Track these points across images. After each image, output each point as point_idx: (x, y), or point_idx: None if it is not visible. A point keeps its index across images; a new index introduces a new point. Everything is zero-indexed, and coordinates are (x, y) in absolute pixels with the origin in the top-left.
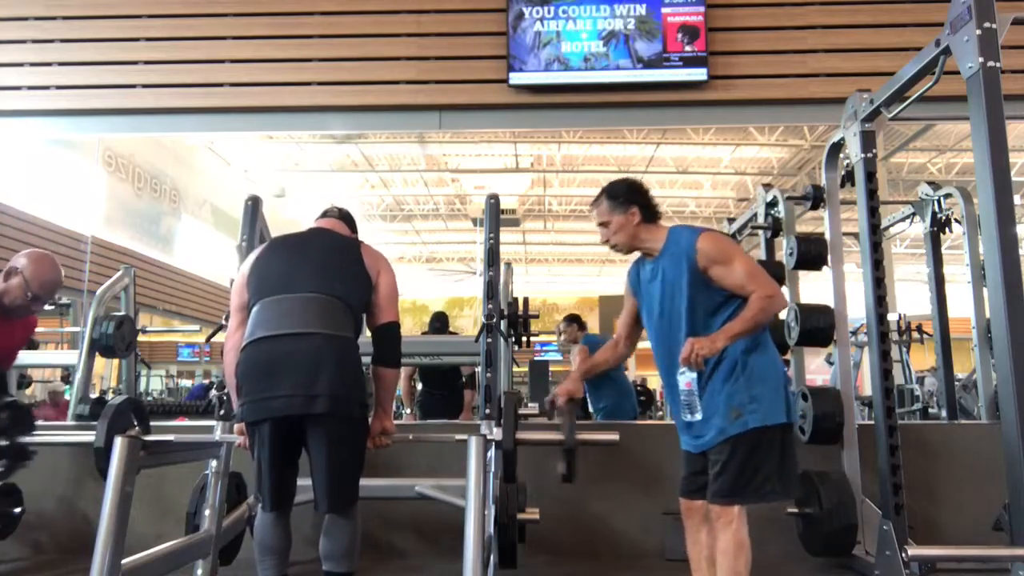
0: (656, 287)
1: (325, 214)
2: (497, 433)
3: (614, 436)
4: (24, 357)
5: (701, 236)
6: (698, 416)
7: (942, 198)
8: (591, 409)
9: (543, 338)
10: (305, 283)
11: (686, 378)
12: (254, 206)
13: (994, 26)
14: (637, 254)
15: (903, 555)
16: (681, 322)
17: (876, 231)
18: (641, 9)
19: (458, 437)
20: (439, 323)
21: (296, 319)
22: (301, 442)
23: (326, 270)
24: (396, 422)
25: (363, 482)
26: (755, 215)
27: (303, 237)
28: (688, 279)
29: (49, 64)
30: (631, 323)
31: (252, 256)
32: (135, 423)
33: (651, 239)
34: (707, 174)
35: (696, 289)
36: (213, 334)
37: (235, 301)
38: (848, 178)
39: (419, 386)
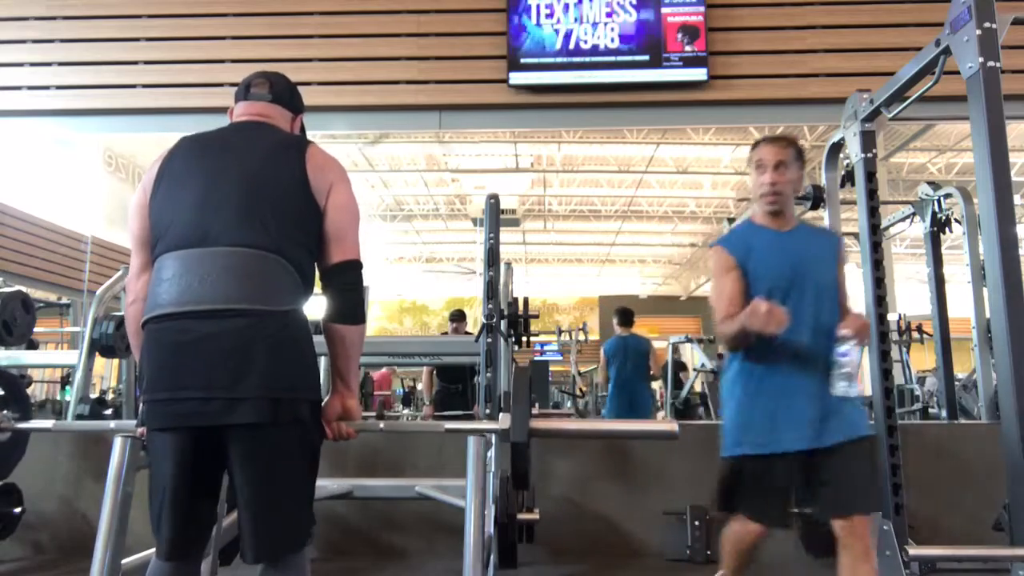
0: (788, 256)
1: (248, 92)
2: (504, 420)
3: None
4: (24, 357)
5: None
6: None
7: (942, 198)
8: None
9: (543, 338)
10: (226, 227)
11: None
12: None
13: (994, 26)
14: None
15: (903, 555)
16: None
17: (876, 231)
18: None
19: (448, 426)
20: (458, 315)
21: (213, 288)
22: (222, 462)
23: (257, 204)
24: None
25: (363, 482)
26: None
27: (227, 142)
28: (836, 265)
29: (50, 64)
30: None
31: (156, 165)
32: None
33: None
34: (707, 174)
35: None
36: None
37: (135, 231)
38: (848, 178)
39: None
